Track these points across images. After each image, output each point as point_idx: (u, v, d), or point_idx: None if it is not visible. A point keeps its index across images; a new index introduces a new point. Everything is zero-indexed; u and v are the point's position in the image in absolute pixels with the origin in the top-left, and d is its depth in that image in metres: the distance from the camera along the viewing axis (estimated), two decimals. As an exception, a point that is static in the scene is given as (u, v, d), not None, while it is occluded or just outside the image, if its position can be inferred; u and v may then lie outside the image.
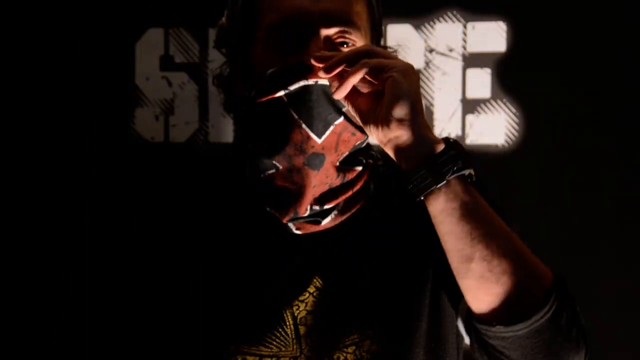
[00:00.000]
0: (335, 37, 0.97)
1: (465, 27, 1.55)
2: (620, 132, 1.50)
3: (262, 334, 0.97)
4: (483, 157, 1.54)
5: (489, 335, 0.86)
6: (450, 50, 1.56)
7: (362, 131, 0.98)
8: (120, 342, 1.16)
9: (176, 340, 1.01)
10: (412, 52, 1.56)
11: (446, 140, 0.87)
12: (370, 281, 0.99)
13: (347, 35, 0.97)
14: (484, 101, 1.55)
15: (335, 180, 0.99)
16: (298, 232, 1.00)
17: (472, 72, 1.55)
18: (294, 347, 0.97)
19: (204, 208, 1.08)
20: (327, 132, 0.95)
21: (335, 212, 1.01)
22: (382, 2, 1.08)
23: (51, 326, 1.63)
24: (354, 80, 0.87)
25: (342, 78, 0.89)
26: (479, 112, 1.55)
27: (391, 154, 0.89)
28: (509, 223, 0.88)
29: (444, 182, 0.83)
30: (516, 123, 1.54)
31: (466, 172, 0.84)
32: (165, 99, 1.64)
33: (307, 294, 0.98)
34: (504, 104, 1.54)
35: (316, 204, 0.99)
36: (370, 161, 1.06)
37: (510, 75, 1.54)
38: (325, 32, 0.96)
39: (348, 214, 1.02)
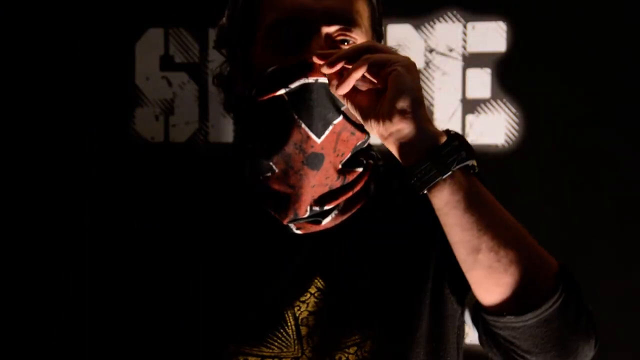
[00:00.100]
0: (336, 35, 0.97)
1: (465, 27, 1.55)
2: (620, 132, 1.50)
3: (263, 335, 0.97)
4: (483, 157, 1.53)
5: (498, 326, 0.85)
6: (450, 50, 1.56)
7: (362, 130, 0.98)
8: (120, 343, 1.16)
9: (177, 341, 1.01)
10: (412, 52, 1.56)
11: (447, 132, 0.87)
12: (371, 281, 0.99)
13: (348, 34, 0.97)
14: (484, 101, 1.55)
15: (335, 182, 0.99)
16: (299, 231, 1.00)
17: (472, 72, 1.55)
18: (296, 347, 0.97)
19: (204, 208, 1.08)
20: (327, 132, 0.95)
21: (335, 212, 1.01)
22: (382, 2, 1.08)
23: (51, 326, 1.62)
24: (357, 75, 0.87)
25: (342, 77, 0.89)
26: (479, 112, 1.55)
27: (393, 148, 0.88)
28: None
29: (449, 172, 0.83)
30: (516, 123, 1.54)
31: (470, 162, 0.84)
32: (165, 99, 1.64)
33: (309, 295, 0.98)
34: (504, 104, 1.54)
35: (316, 205, 0.99)
36: (371, 161, 1.06)
37: (510, 75, 1.54)
38: (327, 30, 0.96)
39: (348, 214, 1.02)
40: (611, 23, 1.50)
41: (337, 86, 0.89)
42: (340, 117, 0.96)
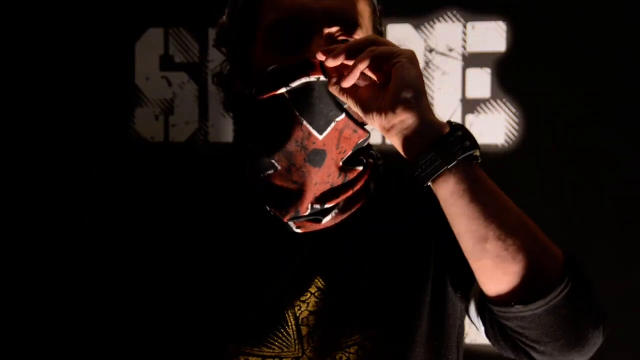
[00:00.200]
0: (337, 34, 0.97)
1: (465, 27, 1.55)
2: (620, 132, 1.50)
3: (264, 335, 0.97)
4: (483, 157, 1.53)
5: (507, 317, 0.85)
6: (450, 50, 1.56)
7: (363, 128, 0.99)
8: (120, 343, 1.16)
9: (177, 341, 1.01)
10: (412, 52, 1.56)
11: (450, 123, 0.86)
12: (371, 281, 1.00)
13: (349, 34, 0.97)
14: (484, 101, 1.55)
15: (337, 179, 0.99)
16: (299, 230, 1.00)
17: (472, 72, 1.55)
18: (297, 347, 0.97)
19: (204, 208, 1.08)
20: (329, 129, 0.95)
21: (335, 211, 1.01)
22: (382, 2, 1.08)
23: (51, 326, 1.62)
24: (363, 66, 0.87)
25: (342, 77, 0.89)
26: (479, 112, 1.55)
27: (395, 141, 0.87)
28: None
29: (455, 162, 0.82)
30: (516, 123, 1.54)
31: (475, 152, 0.84)
32: (165, 99, 1.64)
33: (309, 295, 0.98)
34: (504, 104, 1.54)
35: (317, 203, 0.99)
36: (371, 161, 1.06)
37: (510, 75, 1.54)
38: (328, 30, 0.96)
39: (349, 213, 1.02)
40: (611, 23, 1.50)
41: (342, 81, 0.89)
42: (343, 115, 0.96)
